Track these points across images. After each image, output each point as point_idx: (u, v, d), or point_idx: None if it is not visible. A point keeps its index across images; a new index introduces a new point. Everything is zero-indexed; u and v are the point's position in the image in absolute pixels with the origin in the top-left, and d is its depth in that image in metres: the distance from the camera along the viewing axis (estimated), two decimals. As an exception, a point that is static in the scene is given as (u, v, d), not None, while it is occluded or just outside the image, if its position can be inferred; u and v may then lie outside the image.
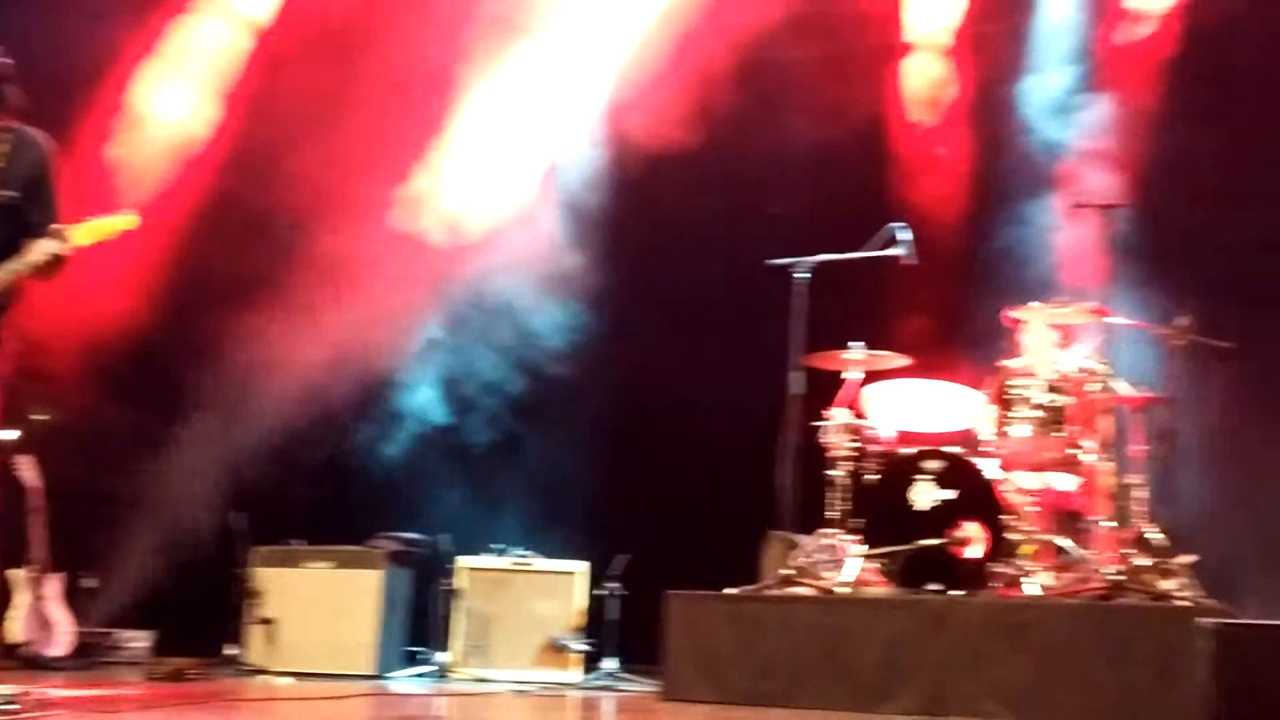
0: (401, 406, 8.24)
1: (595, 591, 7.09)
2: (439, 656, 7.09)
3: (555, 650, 7.05)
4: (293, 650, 7.03)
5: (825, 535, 6.19)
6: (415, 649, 7.33)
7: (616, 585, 7.03)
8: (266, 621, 7.08)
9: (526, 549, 7.26)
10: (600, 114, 8.30)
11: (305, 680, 6.59)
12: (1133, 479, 6.05)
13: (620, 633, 6.98)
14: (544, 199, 8.30)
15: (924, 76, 7.96)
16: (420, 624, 7.32)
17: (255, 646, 7.07)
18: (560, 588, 7.15)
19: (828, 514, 6.21)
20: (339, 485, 8.41)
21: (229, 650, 7.09)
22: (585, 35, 8.35)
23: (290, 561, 7.25)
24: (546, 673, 6.96)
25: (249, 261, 7.79)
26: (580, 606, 7.09)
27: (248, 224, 7.93)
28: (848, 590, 5.81)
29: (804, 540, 6.30)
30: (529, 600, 7.14)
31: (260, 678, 6.75)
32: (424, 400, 8.22)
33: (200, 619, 7.27)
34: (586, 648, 7.03)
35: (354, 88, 7.96)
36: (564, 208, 8.21)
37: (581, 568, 7.17)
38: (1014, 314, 6.18)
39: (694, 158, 7.67)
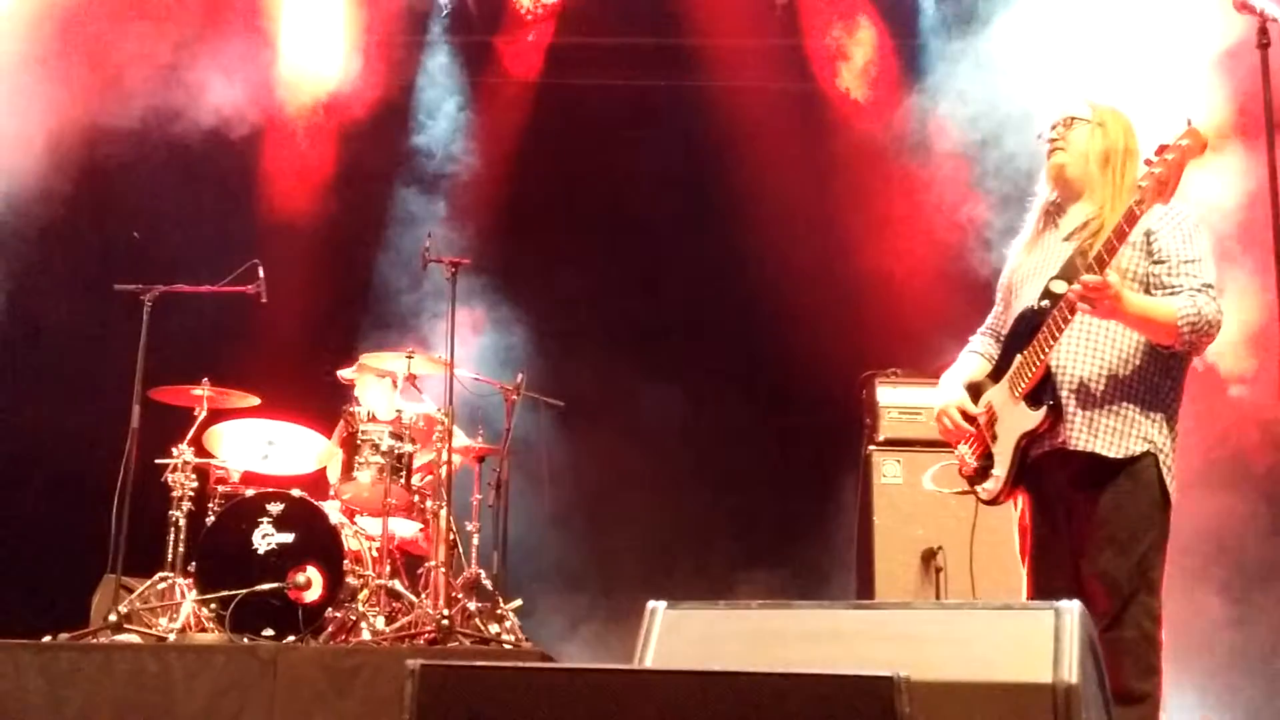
0: None
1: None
2: None
3: None
4: None
5: (162, 579, 5.91)
6: None
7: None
8: None
9: None
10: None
11: None
12: (469, 526, 6.34)
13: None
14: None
15: (299, 113, 7.94)
16: None
17: None
18: None
19: (168, 556, 5.93)
20: None
21: None
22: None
23: None
24: None
25: None
26: None
27: None
28: (175, 636, 5.57)
29: (139, 584, 5.97)
30: None
31: None
32: None
33: None
34: None
35: None
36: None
37: None
38: (344, 374, 6.32)
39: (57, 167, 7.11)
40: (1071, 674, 2.65)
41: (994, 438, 3.75)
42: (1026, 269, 3.83)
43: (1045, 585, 3.70)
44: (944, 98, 7.11)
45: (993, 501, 3.81)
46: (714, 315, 7.64)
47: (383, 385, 6.25)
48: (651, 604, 3.12)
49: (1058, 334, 3.58)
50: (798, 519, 6.99)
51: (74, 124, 7.04)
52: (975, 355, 4.01)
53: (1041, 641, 2.75)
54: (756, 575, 6.57)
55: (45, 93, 7.00)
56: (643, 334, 7.61)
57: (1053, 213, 3.88)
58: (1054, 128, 3.83)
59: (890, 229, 7.11)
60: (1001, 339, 3.95)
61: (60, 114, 6.99)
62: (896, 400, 5.97)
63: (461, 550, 6.32)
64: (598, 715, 2.22)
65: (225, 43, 7.42)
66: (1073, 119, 3.80)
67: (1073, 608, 2.76)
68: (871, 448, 5.98)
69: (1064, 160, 3.79)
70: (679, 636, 3.03)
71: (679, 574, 6.69)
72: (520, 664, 2.36)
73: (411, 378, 6.26)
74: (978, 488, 3.83)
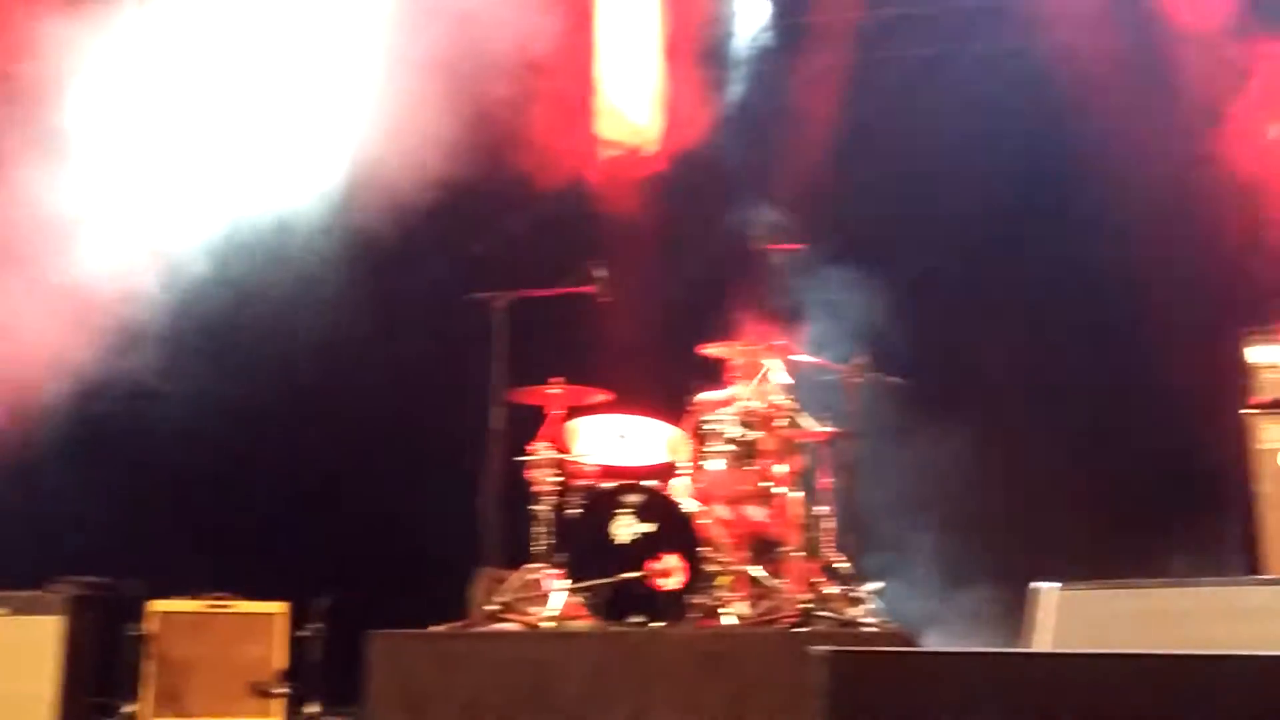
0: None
1: (297, 633, 6.89)
2: (127, 708, 6.71)
3: (257, 695, 6.79)
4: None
5: (530, 570, 6.22)
6: (102, 700, 6.91)
7: (319, 626, 6.85)
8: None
9: (223, 590, 6.98)
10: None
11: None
12: (821, 510, 6.35)
13: (323, 675, 6.79)
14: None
15: (620, 123, 8.12)
16: (108, 674, 6.91)
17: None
18: (260, 629, 6.88)
19: (533, 549, 6.24)
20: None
21: None
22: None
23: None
24: (248, 719, 6.70)
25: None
26: (282, 648, 6.87)
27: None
28: (552, 624, 5.85)
29: (510, 576, 6.31)
30: (228, 643, 6.83)
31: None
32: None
33: None
34: (288, 691, 6.81)
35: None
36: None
37: (282, 608, 6.95)
38: (710, 350, 6.41)
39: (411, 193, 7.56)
40: None
41: None
42: None
43: None
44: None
45: None
46: (1066, 278, 7.28)
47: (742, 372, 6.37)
48: (1037, 585, 3.05)
49: None
50: (1170, 490, 6.63)
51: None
52: None
53: None
54: (1128, 551, 6.25)
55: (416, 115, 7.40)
56: (987, 302, 7.39)
57: None
58: None
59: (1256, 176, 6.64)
60: None
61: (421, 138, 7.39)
62: (1276, 359, 5.60)
63: (814, 534, 6.34)
64: (1011, 699, 2.18)
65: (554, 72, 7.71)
66: None
67: None
68: (1249, 411, 5.63)
69: None
70: (1074, 618, 2.95)
71: (1040, 553, 6.44)
72: (931, 649, 2.35)
73: (755, 365, 6.33)
74: None
